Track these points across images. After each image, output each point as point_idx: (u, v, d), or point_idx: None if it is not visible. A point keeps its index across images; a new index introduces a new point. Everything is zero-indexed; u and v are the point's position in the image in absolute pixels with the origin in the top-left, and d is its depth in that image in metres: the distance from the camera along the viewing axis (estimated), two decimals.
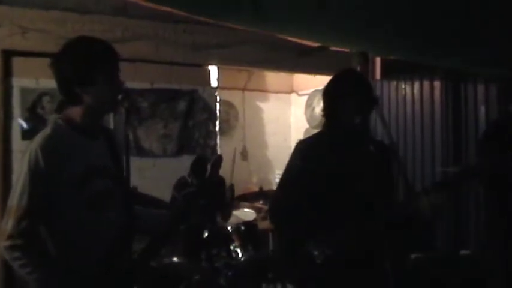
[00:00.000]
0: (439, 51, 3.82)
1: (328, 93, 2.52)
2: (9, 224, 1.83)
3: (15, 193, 1.87)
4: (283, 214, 2.57)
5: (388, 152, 2.57)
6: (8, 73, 4.35)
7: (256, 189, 6.49)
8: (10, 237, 1.82)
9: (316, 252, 2.37)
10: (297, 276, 2.66)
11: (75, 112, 2.02)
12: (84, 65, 1.95)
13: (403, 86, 5.34)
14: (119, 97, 2.03)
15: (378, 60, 5.73)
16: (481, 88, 4.54)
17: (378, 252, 2.43)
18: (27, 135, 4.37)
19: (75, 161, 1.96)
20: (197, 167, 4.67)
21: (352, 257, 2.34)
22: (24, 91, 4.45)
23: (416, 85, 5.19)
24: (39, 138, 1.92)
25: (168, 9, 4.25)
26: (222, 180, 4.97)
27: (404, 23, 3.02)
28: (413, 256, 3.50)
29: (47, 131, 1.96)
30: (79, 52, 1.98)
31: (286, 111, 7.93)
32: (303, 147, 2.61)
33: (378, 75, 5.73)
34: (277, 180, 7.31)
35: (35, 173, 1.85)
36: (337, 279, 2.35)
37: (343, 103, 2.42)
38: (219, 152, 5.39)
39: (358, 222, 2.33)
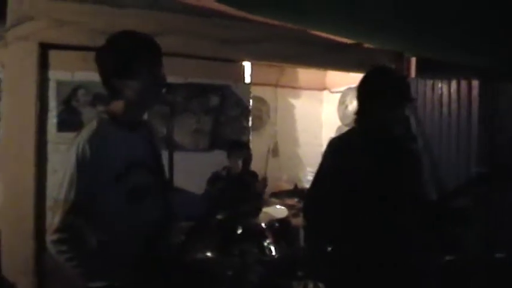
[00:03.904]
0: (476, 50, 3.74)
1: (361, 90, 2.49)
2: (56, 218, 1.84)
3: (62, 187, 1.86)
4: (316, 212, 2.56)
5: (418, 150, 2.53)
6: (44, 66, 4.40)
7: (286, 186, 6.46)
8: (57, 230, 1.83)
9: (347, 251, 2.35)
10: (327, 274, 2.64)
11: (118, 106, 2.03)
12: (127, 59, 1.96)
13: (440, 85, 5.23)
14: (162, 91, 2.04)
15: (413, 58, 5.65)
16: None
17: (409, 253, 2.39)
18: (62, 127, 4.45)
19: (119, 155, 1.97)
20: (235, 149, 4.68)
21: (383, 256, 2.31)
22: (60, 84, 4.50)
23: (453, 84, 5.07)
24: (86, 132, 1.93)
25: (203, 2, 4.27)
26: (254, 175, 4.98)
27: (440, 20, 2.97)
28: (446, 258, 3.44)
29: (93, 125, 1.97)
30: (122, 46, 1.99)
31: (318, 108, 7.88)
32: (336, 144, 2.58)
33: (412, 74, 5.64)
34: (309, 177, 7.33)
35: (82, 167, 1.86)
36: (367, 278, 2.33)
37: (377, 100, 2.38)
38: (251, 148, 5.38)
39: (390, 220, 2.30)
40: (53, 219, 1.84)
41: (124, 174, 1.96)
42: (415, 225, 2.34)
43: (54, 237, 1.83)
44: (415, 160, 2.46)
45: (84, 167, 1.86)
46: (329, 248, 2.50)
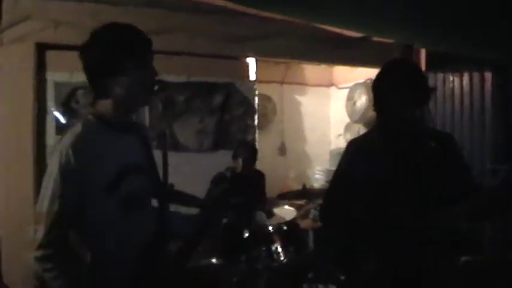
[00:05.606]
0: (488, 42, 3.64)
1: (378, 86, 2.34)
2: (38, 232, 1.69)
3: (45, 198, 1.72)
4: (334, 217, 2.48)
5: (451, 144, 2.37)
6: (41, 67, 4.31)
7: (294, 185, 6.33)
8: (41, 246, 1.69)
9: (366, 257, 2.27)
10: (345, 280, 2.56)
11: (106, 106, 1.88)
12: (114, 54, 1.82)
13: (451, 79, 5.11)
14: (154, 88, 1.89)
15: (423, 51, 5.50)
16: None
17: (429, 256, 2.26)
18: (61, 129, 4.32)
19: (108, 160, 1.82)
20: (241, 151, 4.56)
21: (403, 262, 2.19)
22: (58, 85, 4.39)
23: (465, 78, 4.95)
24: (69, 138, 1.78)
25: None
26: (261, 176, 4.83)
27: (452, 13, 2.88)
28: (463, 259, 3.33)
29: (77, 129, 1.81)
30: (109, 40, 1.84)
31: (326, 105, 7.75)
32: (354, 147, 2.48)
33: (423, 67, 5.49)
34: (317, 176, 7.18)
35: (66, 176, 1.71)
36: (386, 285, 2.23)
37: (396, 96, 2.23)
38: (257, 148, 5.26)
39: (411, 224, 2.17)
40: (35, 234, 1.70)
41: (116, 182, 1.82)
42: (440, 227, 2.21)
43: (38, 253, 1.69)
44: (443, 154, 2.28)
45: (67, 175, 1.71)
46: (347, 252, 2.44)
